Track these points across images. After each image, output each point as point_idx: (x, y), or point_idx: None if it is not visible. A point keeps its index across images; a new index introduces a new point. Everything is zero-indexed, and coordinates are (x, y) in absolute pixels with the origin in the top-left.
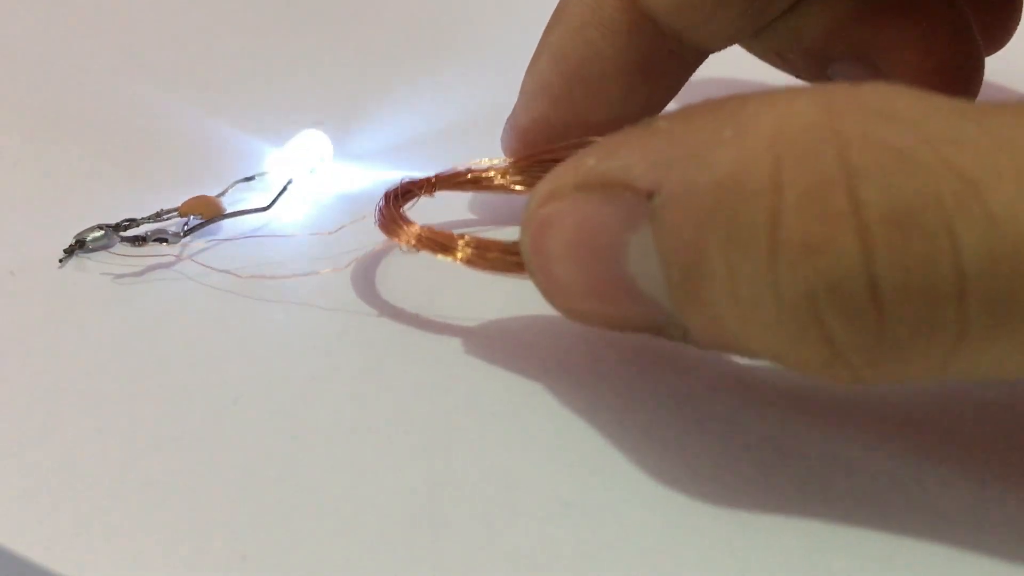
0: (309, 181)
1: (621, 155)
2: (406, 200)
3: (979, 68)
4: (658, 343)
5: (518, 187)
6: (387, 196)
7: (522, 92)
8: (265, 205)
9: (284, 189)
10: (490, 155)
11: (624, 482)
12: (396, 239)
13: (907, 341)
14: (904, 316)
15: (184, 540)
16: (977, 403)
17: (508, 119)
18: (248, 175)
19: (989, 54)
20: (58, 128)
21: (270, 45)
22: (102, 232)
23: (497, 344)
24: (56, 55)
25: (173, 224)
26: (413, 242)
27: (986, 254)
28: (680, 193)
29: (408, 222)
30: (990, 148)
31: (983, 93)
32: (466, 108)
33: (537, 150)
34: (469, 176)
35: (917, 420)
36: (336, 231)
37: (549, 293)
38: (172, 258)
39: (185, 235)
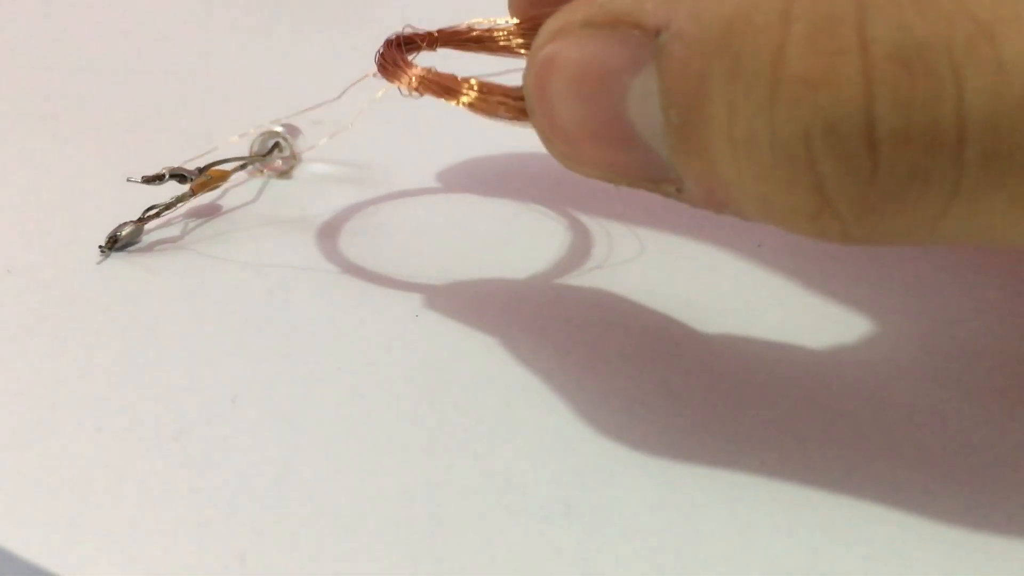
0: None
1: None
2: (408, 51)
3: None
4: (659, 342)
5: (523, 50)
6: (388, 42)
7: None
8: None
9: (281, 137)
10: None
11: (624, 482)
12: (397, 82)
13: (899, 191)
14: (898, 162)
15: (183, 540)
16: (979, 404)
17: None
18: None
19: None
20: (45, 124)
21: (264, 41)
22: (132, 227)
23: (499, 345)
24: (46, 52)
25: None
26: (415, 84)
27: (990, 102)
28: (687, 27)
29: (410, 64)
30: None
31: None
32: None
33: (545, 11)
34: (473, 34)
35: (919, 421)
36: (338, 97)
37: (549, 136)
38: (171, 248)
39: (201, 172)
